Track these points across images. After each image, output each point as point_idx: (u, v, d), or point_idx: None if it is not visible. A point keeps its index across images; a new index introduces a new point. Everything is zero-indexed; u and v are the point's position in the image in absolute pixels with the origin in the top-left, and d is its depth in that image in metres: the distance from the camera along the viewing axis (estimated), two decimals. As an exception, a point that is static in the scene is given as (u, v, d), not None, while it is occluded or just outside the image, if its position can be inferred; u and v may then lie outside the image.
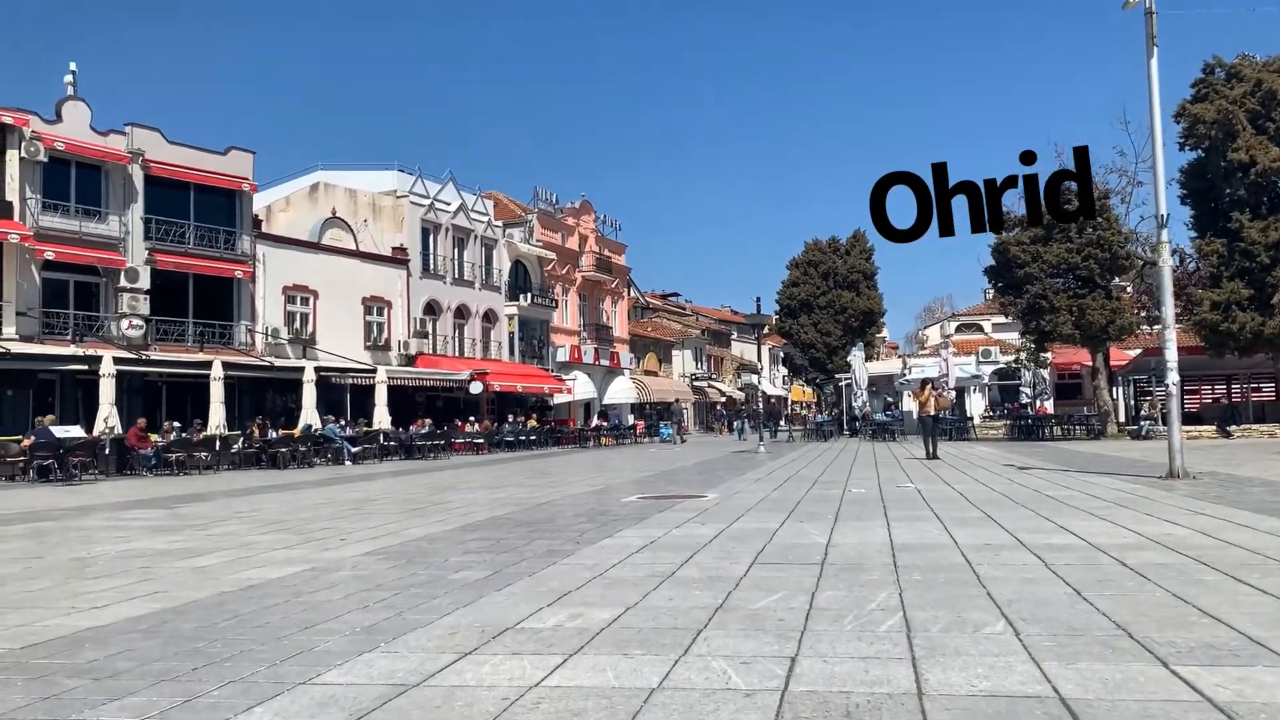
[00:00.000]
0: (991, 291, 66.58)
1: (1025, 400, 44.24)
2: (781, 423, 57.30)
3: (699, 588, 5.49)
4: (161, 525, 10.51)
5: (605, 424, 45.66)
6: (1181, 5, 36.11)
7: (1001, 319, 60.97)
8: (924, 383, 21.66)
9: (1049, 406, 43.42)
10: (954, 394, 48.32)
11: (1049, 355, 43.95)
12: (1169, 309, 13.11)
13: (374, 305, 39.82)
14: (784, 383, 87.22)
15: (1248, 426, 30.54)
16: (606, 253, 57.94)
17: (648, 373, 62.66)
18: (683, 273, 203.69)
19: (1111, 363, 37.19)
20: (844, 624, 4.46)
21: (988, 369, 53.07)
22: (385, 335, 39.94)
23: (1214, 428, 30.09)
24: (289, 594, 5.64)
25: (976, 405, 52.23)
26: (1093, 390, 38.26)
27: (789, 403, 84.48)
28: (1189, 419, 36.89)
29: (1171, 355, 13.04)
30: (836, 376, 55.41)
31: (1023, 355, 42.82)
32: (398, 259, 41.20)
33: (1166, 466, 13.22)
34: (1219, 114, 30.41)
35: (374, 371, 33.84)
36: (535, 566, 6.48)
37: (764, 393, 45.22)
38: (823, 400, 74.07)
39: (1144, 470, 15.18)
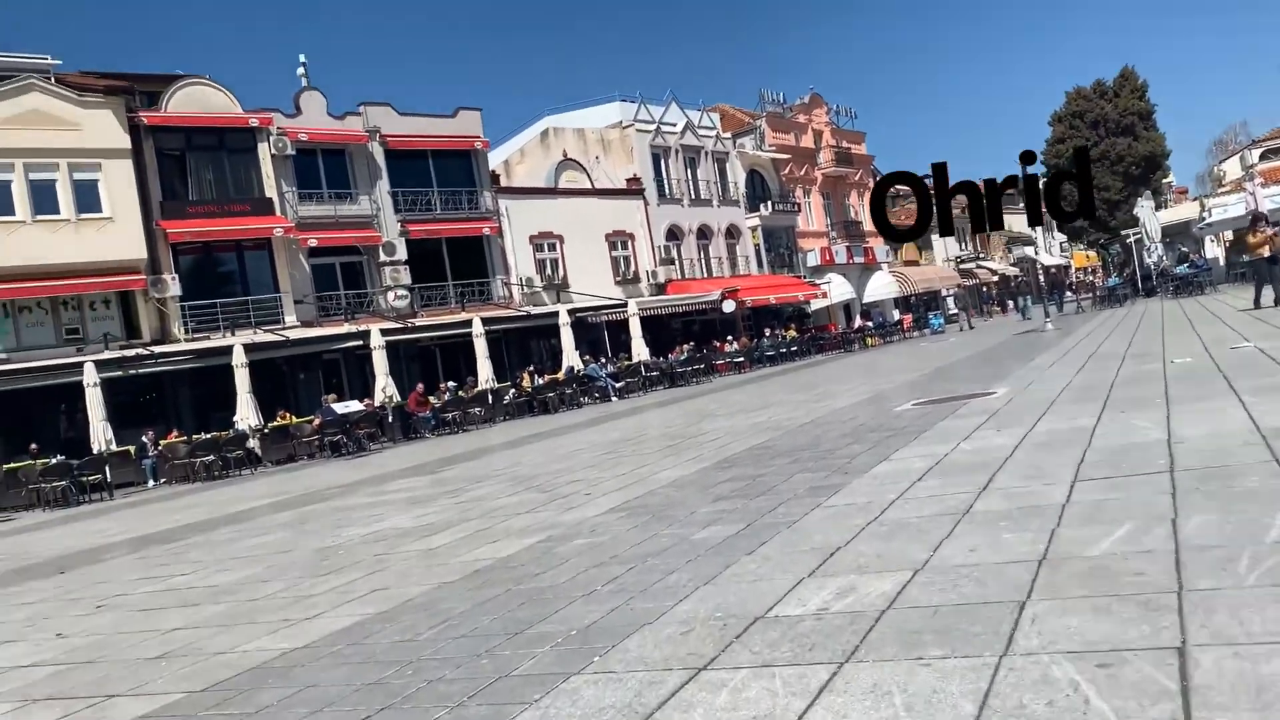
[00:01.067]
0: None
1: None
2: (1067, 293, 52.46)
3: (1009, 527, 4.16)
4: (418, 495, 10.34)
5: (869, 324, 43.48)
6: None
7: (1320, 135, 52.33)
8: (1255, 219, 18.47)
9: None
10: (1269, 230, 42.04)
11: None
12: None
13: (617, 240, 39.74)
14: (1062, 250, 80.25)
15: None
16: (845, 144, 54.91)
17: (908, 263, 59.27)
18: (935, 148, 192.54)
19: None
20: (1240, 572, 3.04)
21: (1309, 196, 45.69)
22: (633, 268, 39.81)
23: None
24: (511, 580, 4.87)
25: (1300, 240, 45.22)
26: None
27: (1071, 271, 77.75)
28: None
29: None
30: (1124, 233, 49.85)
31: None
32: (633, 190, 40.80)
33: None
34: None
35: (625, 305, 33.74)
36: (795, 512, 5.37)
37: (1041, 264, 41.18)
38: (1108, 262, 67.31)
39: None
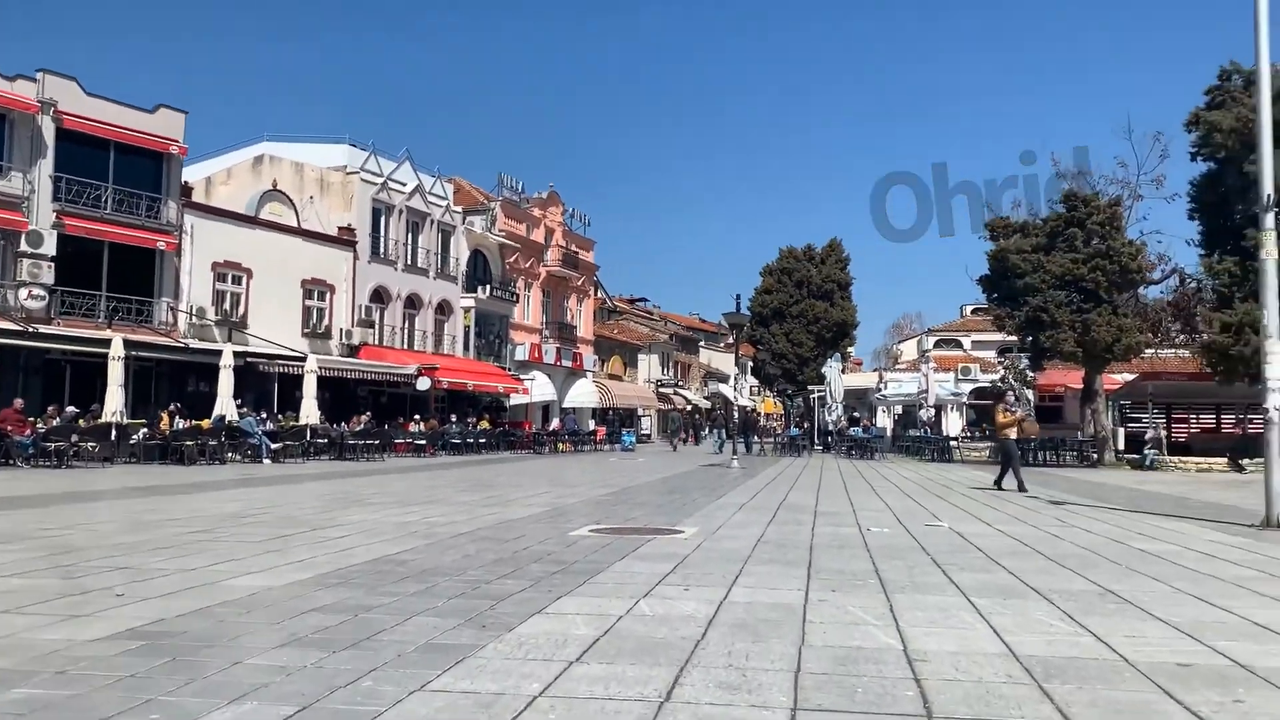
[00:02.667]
0: (970, 308, 64.40)
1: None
2: (753, 436, 54.49)
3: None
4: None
5: (564, 428, 42.50)
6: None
7: (982, 336, 58.67)
8: (999, 397, 18.45)
9: (1029, 429, 40.79)
10: (932, 412, 45.89)
11: (1036, 376, 41.53)
12: (1273, 314, 10.33)
13: (315, 289, 36.43)
14: (752, 394, 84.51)
15: (1258, 460, 28.03)
16: (574, 248, 54.79)
17: (612, 376, 59.61)
18: (652, 279, 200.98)
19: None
20: None
21: (967, 387, 50.68)
22: (326, 322, 36.55)
23: (1225, 460, 27.58)
24: None
25: (953, 425, 49.78)
26: (1088, 414, 35.67)
27: (760, 414, 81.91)
28: (1176, 449, 34.63)
29: (1275, 372, 10.25)
30: (809, 388, 52.75)
31: (1009, 374, 40.31)
32: (344, 240, 37.84)
33: (1257, 511, 10.45)
34: (1237, 122, 27.92)
35: (304, 359, 30.45)
36: (380, 696, 3.43)
37: (738, 403, 42.50)
38: (789, 413, 71.41)
39: (1211, 513, 12.39)
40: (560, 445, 39.53)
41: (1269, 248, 10.32)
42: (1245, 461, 27.31)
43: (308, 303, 36.08)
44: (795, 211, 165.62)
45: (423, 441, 31.61)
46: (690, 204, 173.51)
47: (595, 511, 11.32)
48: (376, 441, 28.60)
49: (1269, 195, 10.31)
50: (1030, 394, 41.27)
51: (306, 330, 35.55)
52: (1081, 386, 38.76)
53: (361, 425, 30.29)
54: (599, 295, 65.37)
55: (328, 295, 36.94)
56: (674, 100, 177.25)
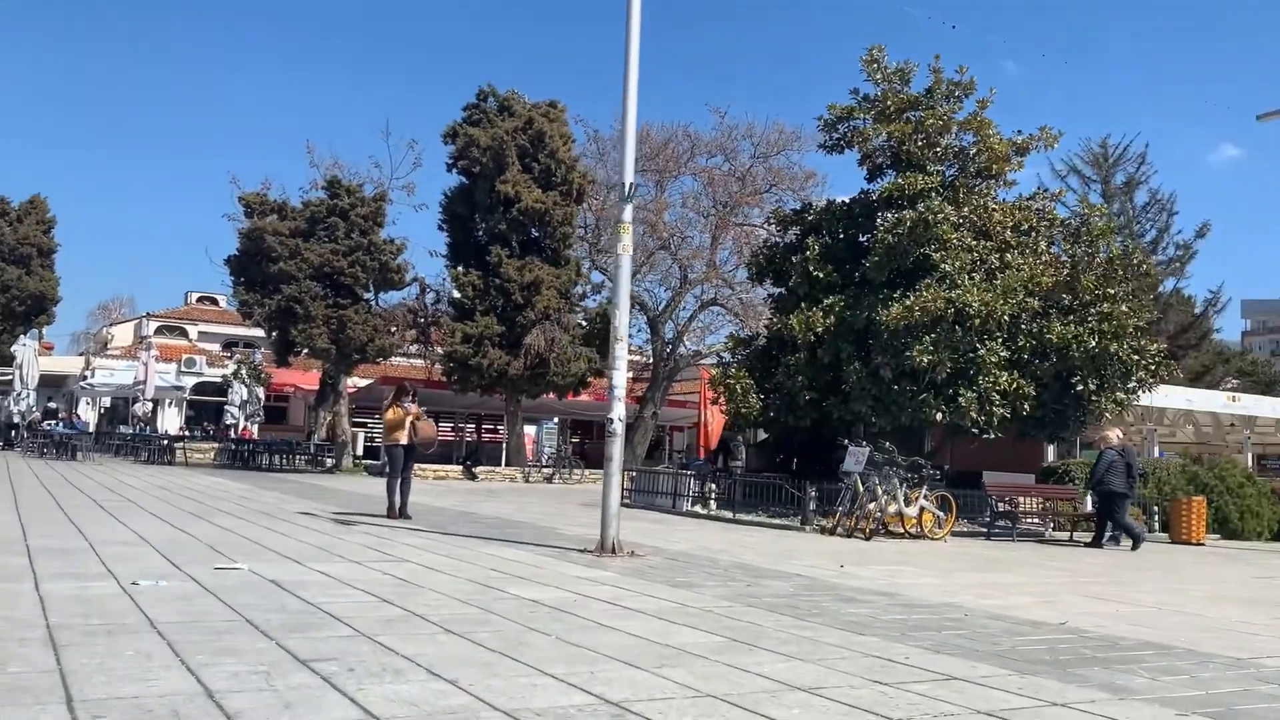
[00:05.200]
0: (198, 296, 59.26)
1: (231, 421, 38.38)
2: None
3: None
4: None
5: None
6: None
7: (210, 326, 54.19)
8: (399, 392, 12.96)
9: (254, 430, 38.31)
10: (150, 406, 40.31)
11: (270, 374, 38.98)
12: (623, 315, 9.44)
13: None
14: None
15: (491, 469, 29.57)
16: None
17: None
18: None
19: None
20: None
21: (190, 380, 45.90)
22: None
23: (460, 468, 28.39)
24: None
25: (172, 421, 44.66)
26: (322, 416, 34.42)
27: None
28: (431, 460, 35.27)
29: (620, 379, 9.37)
30: (-5, 370, 42.74)
31: (243, 370, 37.06)
32: None
33: (565, 531, 9.51)
34: (493, 141, 29.34)
35: None
36: None
37: None
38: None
39: (530, 535, 11.32)
40: None
41: (625, 242, 9.43)
42: (477, 469, 28.45)
43: None
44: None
45: None
46: None
47: None
48: None
49: (631, 185, 9.43)
50: (261, 392, 38.71)
51: None
52: (313, 388, 37.47)
53: None
54: None
55: None
56: None
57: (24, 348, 33.99)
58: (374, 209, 27.65)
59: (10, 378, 35.39)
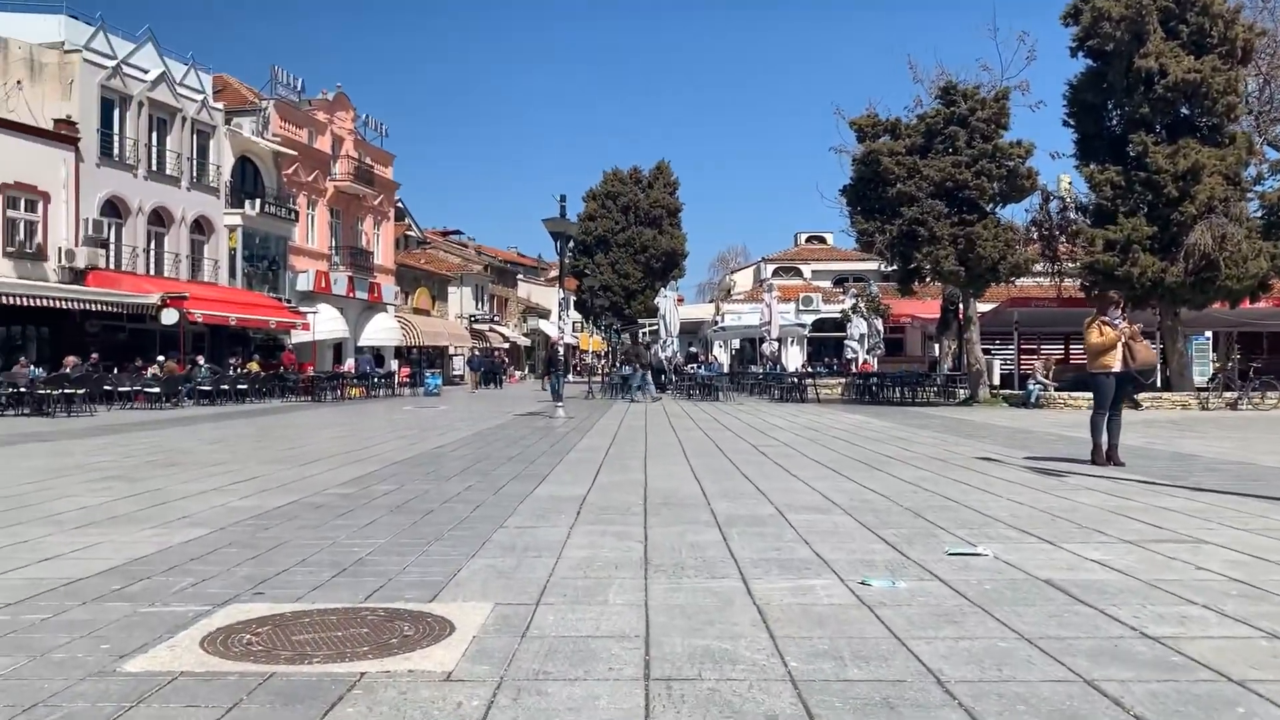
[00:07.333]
0: (806, 236, 61.09)
1: (851, 355, 37.95)
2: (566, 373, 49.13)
3: None
4: None
5: (354, 370, 35.98)
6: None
7: (820, 265, 55.33)
8: (1104, 306, 10.40)
9: (874, 363, 37.32)
10: (775, 345, 41.93)
11: (889, 306, 38.00)
12: None
13: (22, 196, 28.32)
14: (575, 329, 79.36)
15: (1154, 395, 25.08)
16: (369, 161, 47.44)
17: (417, 311, 52.94)
18: (465, 212, 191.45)
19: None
20: None
21: (809, 317, 47.13)
22: (38, 239, 28.57)
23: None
24: None
25: (794, 358, 46.20)
26: (944, 345, 32.42)
27: (577, 351, 76.83)
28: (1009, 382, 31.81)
29: None
30: (639, 322, 48.00)
31: (861, 303, 36.56)
32: (63, 136, 29.68)
33: None
34: (1128, 9, 24.30)
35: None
36: None
37: (548, 336, 37.23)
38: (613, 349, 66.73)
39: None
40: (353, 390, 33.14)
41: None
42: (1139, 396, 24.28)
43: (10, 213, 27.96)
44: (624, 132, 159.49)
45: (155, 389, 24.61)
46: (507, 131, 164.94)
47: (263, 558, 5.71)
48: (84, 390, 21.55)
49: None
50: (879, 324, 37.80)
51: (10, 249, 27.58)
52: (933, 316, 35.58)
53: (70, 369, 23.11)
54: (405, 222, 58.17)
55: (40, 205, 28.87)
56: (485, 17, 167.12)
57: (665, 299, 36.92)
58: (997, 109, 24.62)
59: (656, 327, 38.98)
